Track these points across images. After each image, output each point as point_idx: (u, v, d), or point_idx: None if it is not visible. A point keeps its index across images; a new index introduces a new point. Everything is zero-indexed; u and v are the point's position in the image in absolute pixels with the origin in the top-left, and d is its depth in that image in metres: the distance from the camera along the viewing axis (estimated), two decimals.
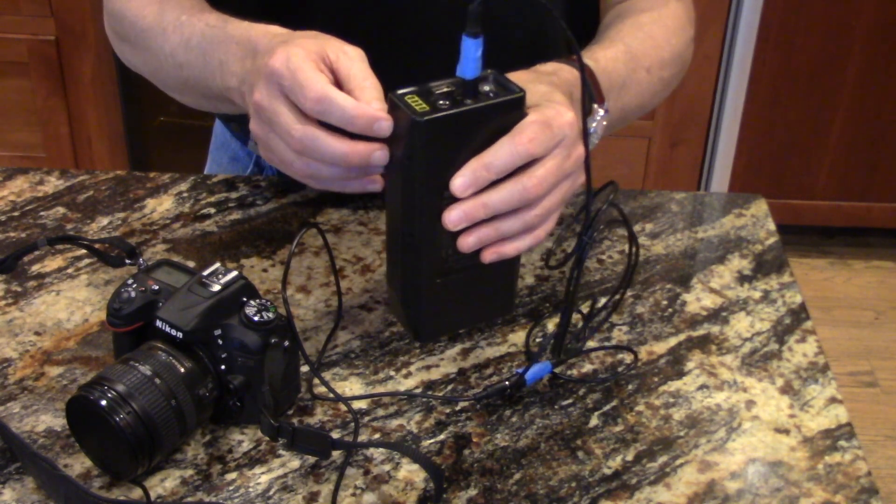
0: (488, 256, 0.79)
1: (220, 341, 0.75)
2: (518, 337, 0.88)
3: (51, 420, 0.78)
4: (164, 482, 0.73)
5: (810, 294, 2.43)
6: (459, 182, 0.74)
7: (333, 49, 0.78)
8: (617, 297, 0.90)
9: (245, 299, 0.76)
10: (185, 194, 1.05)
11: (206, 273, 0.77)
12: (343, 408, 0.80)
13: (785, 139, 2.40)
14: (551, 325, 0.89)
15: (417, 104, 0.73)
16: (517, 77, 0.79)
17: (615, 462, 0.76)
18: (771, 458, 0.77)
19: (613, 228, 1.01)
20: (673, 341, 0.88)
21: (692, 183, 2.44)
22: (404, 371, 0.84)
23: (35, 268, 0.94)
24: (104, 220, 1.01)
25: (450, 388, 0.82)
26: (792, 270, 0.97)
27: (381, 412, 0.80)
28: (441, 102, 0.74)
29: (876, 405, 2.18)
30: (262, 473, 0.74)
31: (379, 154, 0.76)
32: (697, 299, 0.93)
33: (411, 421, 0.79)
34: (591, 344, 0.87)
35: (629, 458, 0.77)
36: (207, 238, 0.99)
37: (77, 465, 0.74)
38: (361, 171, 0.78)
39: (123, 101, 2.36)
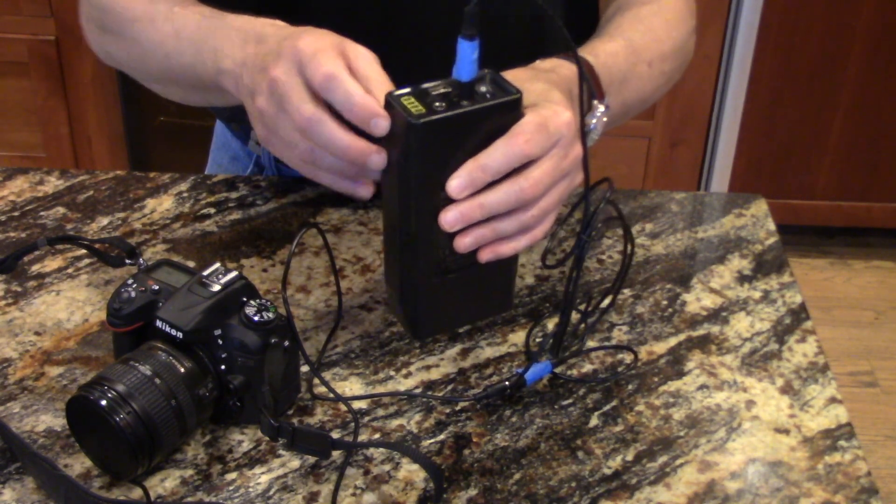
0: (485, 256, 0.79)
1: (220, 341, 0.75)
2: (518, 337, 0.88)
3: (51, 420, 0.78)
4: (164, 482, 0.73)
5: (810, 294, 2.43)
6: (455, 184, 0.74)
7: (352, 47, 0.78)
8: (612, 293, 0.90)
9: (245, 299, 0.76)
10: (185, 194, 1.05)
11: (206, 273, 0.77)
12: (343, 408, 0.80)
13: (785, 139, 2.40)
14: (551, 325, 0.89)
15: (413, 106, 0.73)
16: (515, 75, 0.79)
17: (615, 462, 0.76)
18: (771, 458, 0.77)
19: (613, 228, 1.01)
20: (673, 341, 0.88)
21: (692, 183, 2.44)
22: (404, 371, 0.84)
23: (35, 268, 0.94)
24: (104, 220, 1.01)
25: (450, 388, 0.82)
26: (792, 270, 0.97)
27: (381, 412, 0.80)
28: (437, 104, 0.73)
29: (876, 405, 2.18)
30: (262, 473, 0.74)
31: (376, 158, 0.76)
32: (697, 299, 0.93)
33: (411, 421, 0.79)
34: (591, 344, 0.87)
35: (629, 458, 0.77)
36: (207, 238, 0.99)
37: (77, 465, 0.74)
38: (358, 170, 0.78)
39: (123, 101, 2.35)
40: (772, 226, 1.04)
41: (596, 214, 0.79)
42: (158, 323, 0.75)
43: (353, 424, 0.78)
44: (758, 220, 1.05)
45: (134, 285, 0.77)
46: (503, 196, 0.76)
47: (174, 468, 0.74)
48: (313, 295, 0.91)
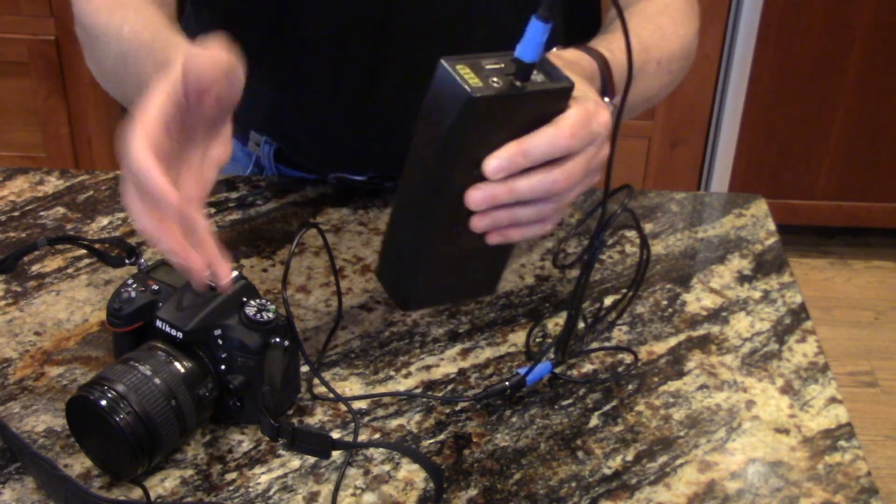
0: (493, 239, 0.76)
1: (219, 341, 0.74)
2: (518, 337, 0.88)
3: (51, 420, 0.78)
4: (164, 482, 0.73)
5: (810, 294, 2.43)
6: (494, 164, 0.72)
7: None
8: (624, 301, 0.89)
9: (245, 299, 0.76)
10: None
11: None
12: (343, 408, 0.80)
13: (785, 139, 2.40)
14: (551, 325, 0.89)
15: (470, 76, 0.70)
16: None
17: (615, 462, 0.76)
18: (771, 458, 0.77)
19: (615, 229, 1.01)
20: (673, 341, 0.88)
21: (692, 183, 2.44)
22: (404, 371, 0.84)
23: (35, 268, 0.94)
24: (104, 220, 1.01)
25: (450, 388, 0.82)
26: (792, 270, 0.97)
27: (381, 412, 0.80)
28: (493, 80, 0.70)
29: (876, 405, 2.18)
30: (262, 473, 0.74)
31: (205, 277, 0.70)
32: (697, 299, 0.93)
33: (411, 421, 0.79)
34: (591, 344, 0.87)
35: (629, 458, 0.76)
36: None
37: (77, 465, 0.74)
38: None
39: None
40: (772, 226, 1.04)
41: (612, 220, 0.78)
42: (158, 323, 0.75)
43: (353, 424, 0.78)
44: (758, 220, 1.05)
45: (134, 285, 0.77)
46: (536, 184, 0.74)
47: (174, 468, 0.74)
48: (313, 295, 0.91)
